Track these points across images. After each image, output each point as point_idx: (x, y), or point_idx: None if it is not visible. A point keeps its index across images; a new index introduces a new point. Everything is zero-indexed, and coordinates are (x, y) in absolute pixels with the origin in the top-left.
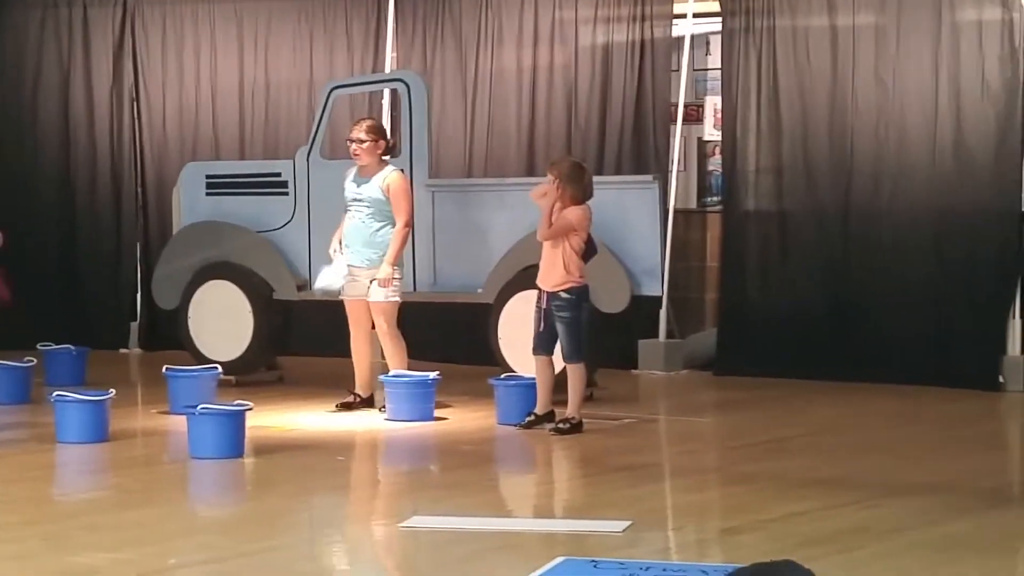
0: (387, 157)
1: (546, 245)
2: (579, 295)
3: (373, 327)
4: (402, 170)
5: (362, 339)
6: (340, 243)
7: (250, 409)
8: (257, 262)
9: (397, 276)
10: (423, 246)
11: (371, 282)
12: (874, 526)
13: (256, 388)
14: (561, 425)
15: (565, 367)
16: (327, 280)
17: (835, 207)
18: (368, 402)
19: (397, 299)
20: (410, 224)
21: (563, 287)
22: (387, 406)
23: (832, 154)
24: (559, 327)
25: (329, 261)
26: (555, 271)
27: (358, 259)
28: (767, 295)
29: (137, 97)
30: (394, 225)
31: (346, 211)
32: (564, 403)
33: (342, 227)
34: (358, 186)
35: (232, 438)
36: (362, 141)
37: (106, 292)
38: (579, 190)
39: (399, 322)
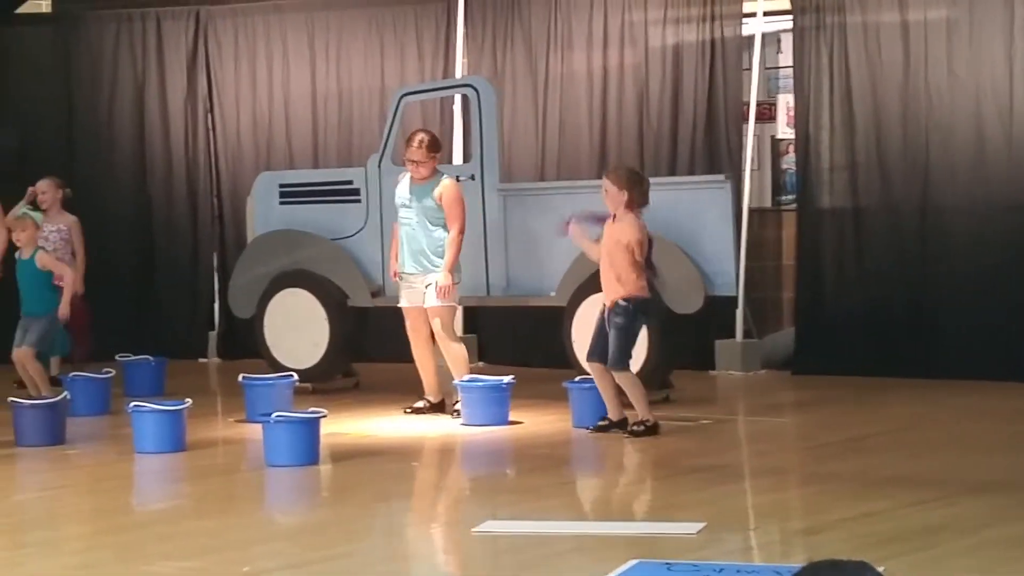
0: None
1: (603, 260)
2: (636, 305)
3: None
4: (458, 178)
5: (423, 346)
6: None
7: (324, 416)
8: (331, 269)
9: (455, 282)
10: (495, 250)
11: (426, 287)
12: (951, 524)
13: (332, 395)
14: (636, 428)
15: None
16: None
17: (911, 203)
18: (439, 407)
19: (453, 304)
20: (463, 231)
21: (621, 296)
22: (462, 410)
23: (906, 150)
24: (611, 332)
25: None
26: (613, 284)
27: (412, 266)
28: (844, 293)
29: (211, 108)
30: (446, 230)
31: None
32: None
33: (395, 240)
34: (411, 193)
35: (307, 445)
36: (419, 161)
37: (184, 302)
38: (639, 195)
39: (465, 327)
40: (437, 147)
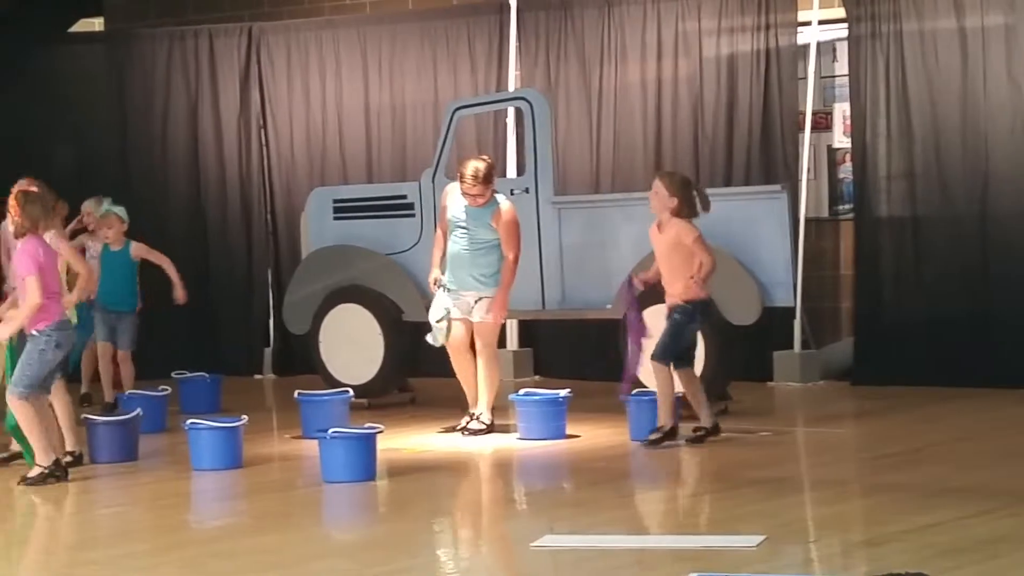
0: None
1: (662, 267)
2: (695, 307)
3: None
4: (512, 191)
5: (465, 360)
6: (440, 270)
7: (381, 432)
8: (386, 284)
9: (495, 313)
10: (551, 263)
11: (476, 302)
12: (1013, 535)
13: (388, 410)
14: (696, 434)
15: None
16: (433, 339)
17: (970, 211)
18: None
19: (499, 321)
20: (519, 257)
21: (683, 297)
22: (519, 425)
23: (965, 158)
24: (665, 327)
25: (431, 295)
26: (676, 284)
27: (460, 282)
28: (903, 302)
29: (264, 124)
30: (498, 249)
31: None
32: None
33: (440, 248)
34: (467, 214)
35: (363, 461)
36: (477, 194)
37: (239, 319)
38: (687, 205)
39: (520, 340)
40: (491, 178)
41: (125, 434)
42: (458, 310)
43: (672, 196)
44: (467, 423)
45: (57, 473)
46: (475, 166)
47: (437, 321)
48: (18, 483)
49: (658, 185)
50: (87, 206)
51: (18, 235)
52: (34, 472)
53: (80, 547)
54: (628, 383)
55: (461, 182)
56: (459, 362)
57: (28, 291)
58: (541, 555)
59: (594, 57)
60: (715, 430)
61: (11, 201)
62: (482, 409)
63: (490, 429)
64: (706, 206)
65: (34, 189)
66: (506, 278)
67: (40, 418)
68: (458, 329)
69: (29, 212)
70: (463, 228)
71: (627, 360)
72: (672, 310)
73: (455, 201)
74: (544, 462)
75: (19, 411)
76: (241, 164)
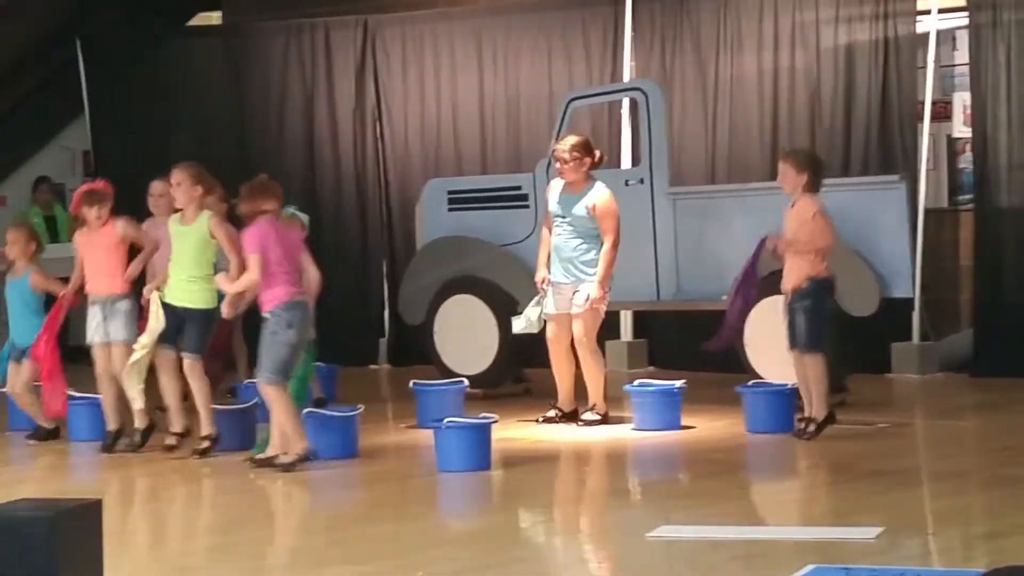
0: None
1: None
2: (819, 284)
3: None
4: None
5: (563, 353)
6: (548, 268)
7: (495, 422)
8: (501, 275)
9: (594, 302)
10: (666, 254)
11: (574, 293)
12: None
13: (503, 401)
14: (808, 429)
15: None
16: (525, 323)
17: None
18: (571, 416)
19: (600, 313)
20: (618, 243)
21: (804, 278)
22: (634, 415)
23: None
24: (800, 318)
25: (540, 292)
26: (795, 267)
27: (562, 275)
28: None
29: (380, 116)
30: (598, 244)
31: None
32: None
33: (546, 245)
34: (563, 204)
35: (478, 451)
36: (566, 161)
37: (354, 309)
38: (817, 178)
39: (635, 332)
40: (588, 149)
41: (243, 422)
42: (555, 306)
43: (800, 172)
44: (555, 415)
45: (307, 458)
46: (573, 137)
47: (531, 307)
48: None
49: (784, 166)
50: (159, 187)
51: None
52: (288, 458)
53: (193, 535)
54: (723, 340)
55: (555, 160)
56: (555, 356)
57: (249, 268)
58: (656, 546)
59: (710, 47)
60: (831, 419)
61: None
62: (595, 400)
63: (605, 420)
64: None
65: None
66: (604, 265)
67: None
68: (555, 324)
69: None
70: (561, 217)
71: (729, 314)
72: (795, 296)
73: (554, 193)
74: (659, 453)
75: (269, 397)
76: (356, 156)
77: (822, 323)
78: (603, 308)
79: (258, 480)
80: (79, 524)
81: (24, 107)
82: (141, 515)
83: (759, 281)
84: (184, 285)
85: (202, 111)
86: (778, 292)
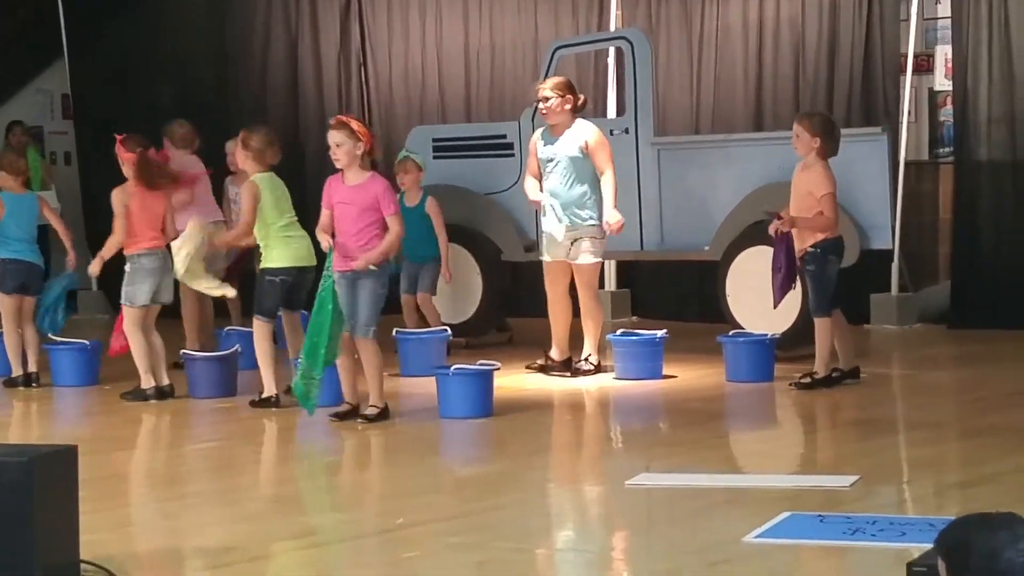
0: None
1: (793, 207)
2: (825, 248)
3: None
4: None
5: (561, 301)
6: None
7: (498, 369)
8: (485, 224)
9: (600, 236)
10: (649, 205)
11: (572, 243)
12: None
13: (486, 350)
14: (803, 380)
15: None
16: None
17: None
18: (564, 364)
19: (599, 260)
20: (615, 173)
21: (809, 244)
22: (616, 364)
23: None
24: (807, 282)
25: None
26: (802, 233)
27: (557, 223)
28: (1001, 247)
29: (364, 62)
30: (593, 185)
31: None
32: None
33: (532, 183)
34: (550, 146)
35: (482, 398)
36: (547, 99)
37: None
38: (831, 143)
39: (619, 282)
40: (571, 88)
41: (224, 370)
42: (552, 254)
43: (815, 136)
44: (546, 363)
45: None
46: (551, 79)
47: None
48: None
49: (799, 128)
50: (231, 146)
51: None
52: (372, 411)
53: (177, 481)
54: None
55: (539, 100)
56: (553, 304)
57: (392, 227)
58: (636, 493)
59: None
60: (857, 373)
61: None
62: (591, 350)
63: (599, 369)
64: (836, 149)
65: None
66: (609, 193)
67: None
68: (553, 271)
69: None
70: (552, 162)
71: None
72: (804, 261)
73: (540, 143)
74: (640, 402)
75: (366, 352)
76: (340, 101)
77: (826, 289)
78: (601, 253)
79: (241, 427)
80: (55, 469)
81: (2, 52)
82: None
83: (787, 262)
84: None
85: (184, 55)
86: (759, 243)
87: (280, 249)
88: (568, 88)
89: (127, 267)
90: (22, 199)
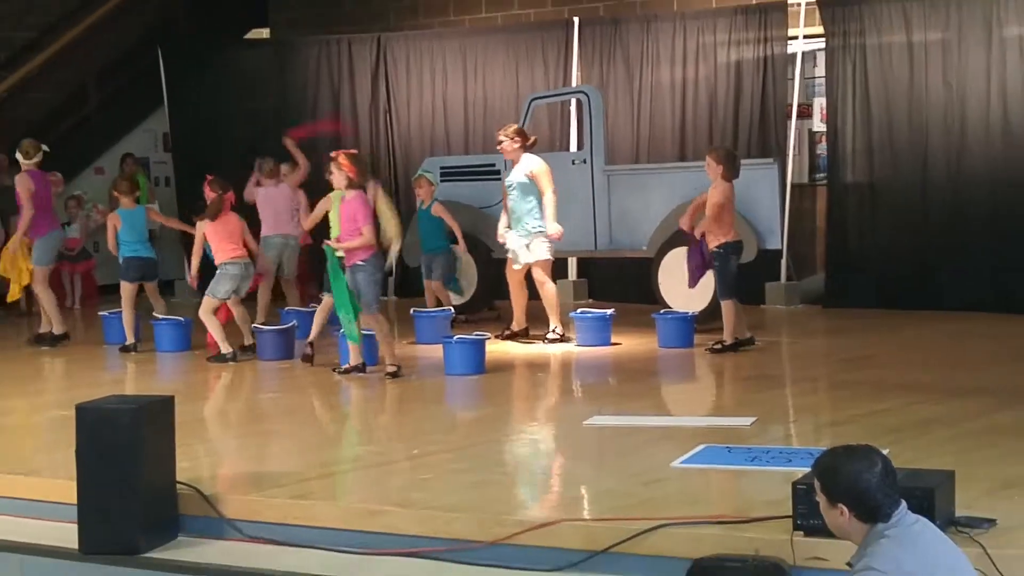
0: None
1: (707, 215)
2: (727, 249)
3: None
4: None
5: (518, 287)
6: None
7: (489, 339)
8: (479, 231)
9: (554, 236)
10: (601, 216)
11: (527, 245)
12: (940, 418)
13: (479, 324)
14: (715, 346)
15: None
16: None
17: (914, 178)
18: (522, 333)
19: (550, 256)
20: (555, 192)
21: (715, 245)
22: (576, 335)
23: (911, 139)
24: (715, 273)
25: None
26: (710, 236)
27: (514, 233)
28: (863, 246)
29: (389, 110)
30: (539, 201)
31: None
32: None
33: (505, 213)
34: (511, 176)
35: (477, 359)
36: (501, 141)
37: None
38: (731, 169)
39: (578, 272)
40: (521, 133)
41: (284, 339)
42: (514, 260)
43: (719, 164)
44: (510, 332)
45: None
46: (511, 126)
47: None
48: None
49: (708, 159)
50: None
51: (351, 189)
52: (391, 369)
53: (245, 422)
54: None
55: (498, 134)
56: (512, 289)
57: (364, 233)
58: (591, 430)
59: (636, 62)
60: (752, 341)
61: (344, 161)
62: (555, 323)
63: (564, 338)
64: (737, 174)
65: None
66: (551, 209)
67: (389, 328)
68: (514, 269)
69: (360, 171)
70: (510, 187)
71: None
72: (712, 257)
73: (505, 171)
74: (595, 363)
75: (374, 324)
76: (372, 141)
77: (729, 279)
78: (552, 251)
79: (294, 383)
80: (158, 414)
81: (117, 99)
82: (221, 409)
83: (701, 258)
84: None
85: (254, 104)
86: (683, 245)
87: None
88: (518, 133)
89: (218, 271)
90: (134, 212)
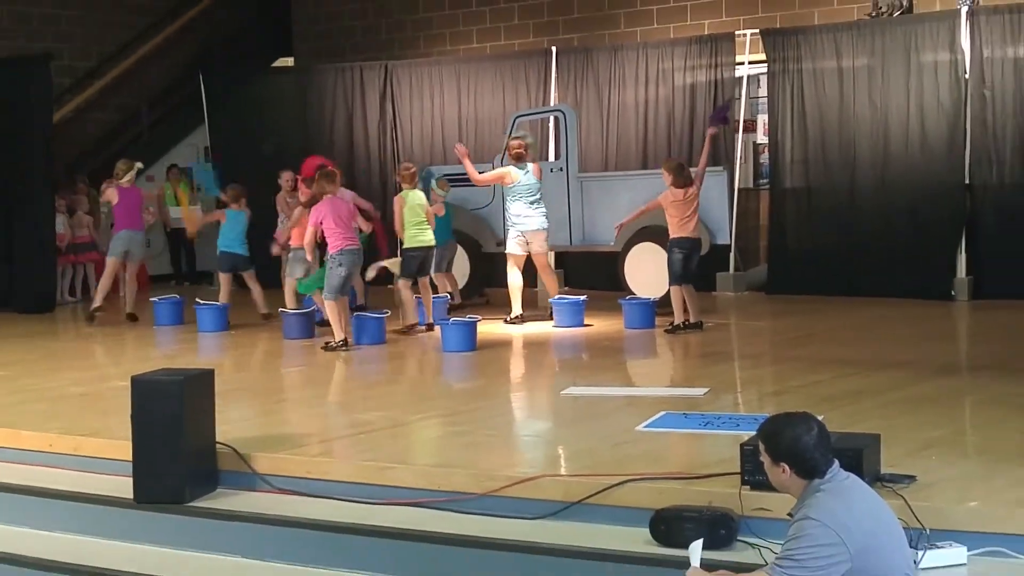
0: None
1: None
2: (672, 244)
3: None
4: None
5: (540, 273)
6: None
7: (479, 320)
8: (472, 229)
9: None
10: (576, 216)
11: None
12: (867, 389)
13: (472, 309)
14: (669, 328)
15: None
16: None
17: (844, 184)
18: (521, 319)
19: (520, 251)
20: (482, 182)
21: (673, 236)
22: (555, 317)
23: (841, 151)
24: (667, 264)
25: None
26: (672, 228)
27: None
28: (800, 242)
29: (395, 128)
30: (514, 200)
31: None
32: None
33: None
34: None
35: (469, 338)
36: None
37: (374, 250)
38: (679, 178)
39: (556, 264)
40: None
41: (307, 321)
42: (519, 246)
43: (669, 173)
44: (512, 317)
45: (344, 346)
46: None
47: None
48: (321, 348)
49: (663, 169)
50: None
51: (316, 197)
52: (333, 344)
53: (269, 392)
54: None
55: (525, 152)
56: (512, 280)
57: (308, 233)
58: (567, 399)
59: (604, 84)
60: (700, 325)
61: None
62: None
63: (519, 320)
64: (688, 182)
65: (330, 168)
66: (469, 169)
67: (342, 311)
68: (513, 259)
69: (322, 184)
70: (527, 187)
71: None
72: (671, 248)
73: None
74: (571, 341)
75: (328, 308)
76: (380, 154)
77: (673, 269)
78: (523, 246)
79: (314, 359)
80: (200, 384)
81: (167, 118)
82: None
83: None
84: None
85: (281, 120)
86: (646, 241)
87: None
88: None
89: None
90: (237, 214)
